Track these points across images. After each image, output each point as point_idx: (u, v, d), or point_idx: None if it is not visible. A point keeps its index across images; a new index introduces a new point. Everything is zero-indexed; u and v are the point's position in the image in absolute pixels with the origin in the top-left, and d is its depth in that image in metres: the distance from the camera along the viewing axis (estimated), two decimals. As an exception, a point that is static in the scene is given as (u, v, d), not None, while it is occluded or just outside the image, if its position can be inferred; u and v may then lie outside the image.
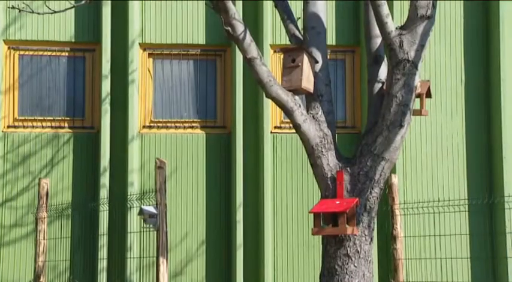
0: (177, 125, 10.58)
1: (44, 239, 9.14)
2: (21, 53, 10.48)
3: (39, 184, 9.35)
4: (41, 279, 9.07)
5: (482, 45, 10.91)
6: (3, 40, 10.34)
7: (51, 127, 10.42)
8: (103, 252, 10.05)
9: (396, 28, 7.21)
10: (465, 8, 10.87)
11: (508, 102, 10.68)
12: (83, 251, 10.20)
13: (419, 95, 7.56)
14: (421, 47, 7.19)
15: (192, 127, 10.59)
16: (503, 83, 10.66)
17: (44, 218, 9.17)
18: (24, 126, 10.40)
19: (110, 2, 10.35)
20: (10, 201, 10.23)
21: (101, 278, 9.98)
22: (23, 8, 8.58)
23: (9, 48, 10.45)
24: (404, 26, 7.23)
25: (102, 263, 10.01)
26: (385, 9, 7.15)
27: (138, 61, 10.48)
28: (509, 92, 10.70)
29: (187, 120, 10.62)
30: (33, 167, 10.29)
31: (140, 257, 10.01)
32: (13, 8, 9.07)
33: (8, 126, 10.36)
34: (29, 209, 10.08)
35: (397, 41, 7.17)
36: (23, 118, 10.42)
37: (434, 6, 7.22)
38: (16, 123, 10.41)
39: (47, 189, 9.26)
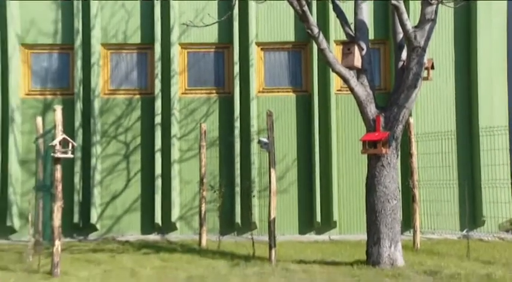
0: (279, 90, 10.57)
1: (204, 157, 9.38)
2: (188, 50, 10.58)
3: (200, 126, 9.59)
4: (204, 180, 9.32)
5: (465, 37, 10.45)
6: (179, 43, 10.49)
7: (206, 93, 10.58)
8: (238, 165, 10.20)
9: (412, 27, 7.04)
10: (454, 14, 10.44)
11: (482, 73, 10.26)
12: (225, 165, 10.36)
13: (426, 68, 7.43)
14: (428, 38, 7.06)
15: (287, 91, 10.57)
16: (479, 61, 10.25)
17: (204, 145, 9.41)
18: (191, 93, 10.57)
19: (237, 18, 10.36)
20: (185, 136, 10.45)
21: (237, 180, 10.18)
22: (189, 23, 8.78)
23: (182, 48, 10.58)
24: (417, 25, 7.07)
25: (237, 171, 10.18)
26: (405, 15, 7.00)
27: (255, 53, 10.49)
28: (483, 66, 10.28)
29: (284, 87, 10.59)
30: (196, 116, 10.46)
31: (259, 168, 10.18)
32: (183, 24, 9.30)
33: (182, 93, 10.55)
34: (195, 141, 10.31)
35: (412, 35, 7.01)
36: (190, 88, 10.57)
37: (436, 13, 7.04)
38: (186, 91, 10.56)
39: (205, 129, 9.48)
